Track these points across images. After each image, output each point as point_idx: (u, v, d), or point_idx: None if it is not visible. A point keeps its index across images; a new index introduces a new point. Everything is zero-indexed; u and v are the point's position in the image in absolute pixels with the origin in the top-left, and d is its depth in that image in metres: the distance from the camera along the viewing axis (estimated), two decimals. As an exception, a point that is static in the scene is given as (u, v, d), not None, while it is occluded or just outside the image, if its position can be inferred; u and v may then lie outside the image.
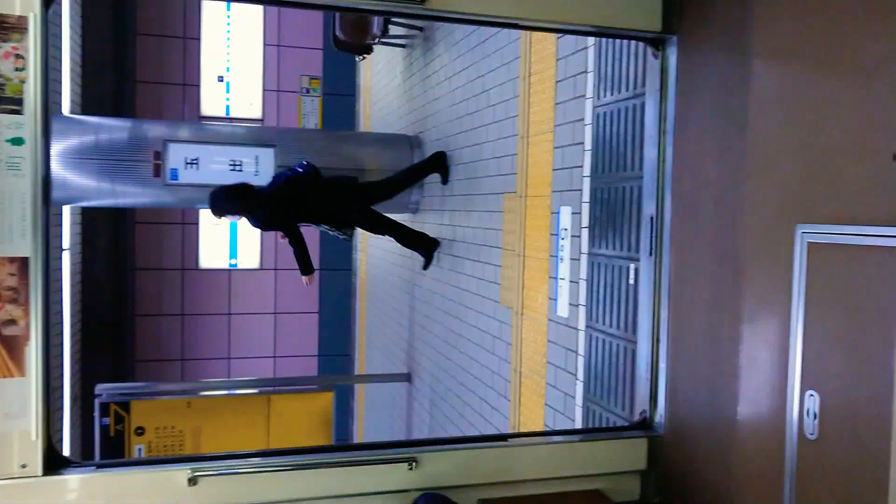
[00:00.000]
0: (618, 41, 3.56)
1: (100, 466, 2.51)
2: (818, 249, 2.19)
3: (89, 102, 9.50)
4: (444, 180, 6.30)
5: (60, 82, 8.25)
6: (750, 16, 2.49)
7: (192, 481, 2.47)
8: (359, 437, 10.55)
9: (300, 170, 5.79)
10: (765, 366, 2.40)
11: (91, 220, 9.73)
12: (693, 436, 2.78)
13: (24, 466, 2.36)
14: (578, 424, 3.89)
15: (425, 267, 6.50)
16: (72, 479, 2.43)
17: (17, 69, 2.26)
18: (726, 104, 2.60)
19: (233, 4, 11.46)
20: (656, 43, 2.95)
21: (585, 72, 3.91)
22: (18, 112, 2.28)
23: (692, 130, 2.82)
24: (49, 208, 2.38)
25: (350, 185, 6.12)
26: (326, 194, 5.87)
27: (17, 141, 2.29)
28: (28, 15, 2.26)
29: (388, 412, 8.56)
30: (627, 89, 3.51)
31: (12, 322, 2.31)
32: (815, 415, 2.18)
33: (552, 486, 2.86)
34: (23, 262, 2.31)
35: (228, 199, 5.54)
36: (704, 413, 2.71)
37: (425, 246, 6.43)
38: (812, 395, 2.19)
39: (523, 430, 4.54)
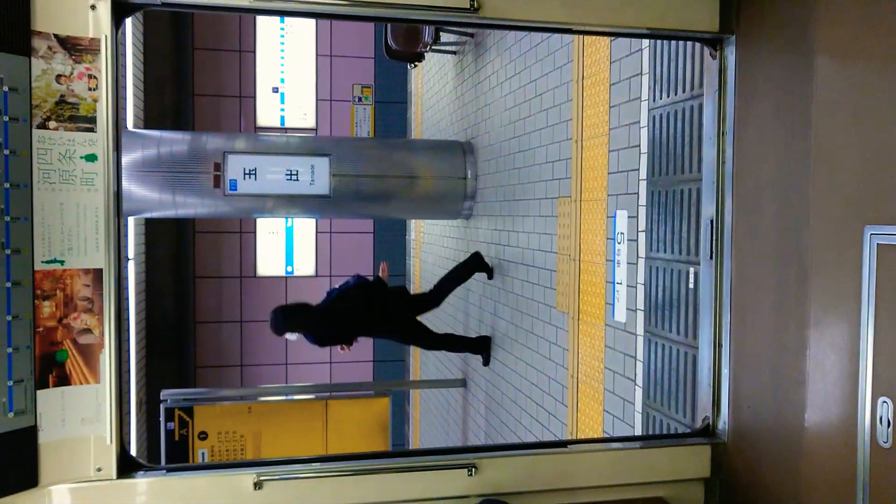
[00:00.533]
0: (672, 42, 3.52)
1: (169, 470, 2.59)
2: (888, 251, 2.13)
3: (151, 117, 9.83)
4: (490, 276, 6.33)
5: (125, 98, 8.56)
6: (812, 13, 2.43)
7: (258, 485, 2.53)
8: (415, 442, 10.60)
9: (351, 282, 6.00)
10: (833, 372, 2.34)
11: (154, 230, 10.05)
12: (758, 443, 2.72)
13: (99, 469, 2.46)
14: (638, 431, 3.84)
15: (486, 364, 6.51)
16: (143, 483, 2.52)
17: (90, 89, 2.37)
18: (788, 103, 2.55)
19: (287, 17, 11.70)
20: (714, 43, 2.91)
21: (640, 74, 3.87)
22: (92, 130, 2.38)
23: (753, 130, 2.76)
24: (120, 221, 2.48)
25: (400, 295, 6.28)
26: (379, 306, 6.03)
27: (91, 157, 2.39)
28: (100, 37, 2.36)
29: (443, 418, 8.59)
30: (684, 90, 3.46)
31: (87, 331, 2.41)
32: (888, 422, 2.11)
33: (613, 493, 2.83)
34: (97, 274, 2.41)
35: (287, 319, 5.81)
36: (770, 420, 2.65)
37: (480, 347, 6.49)
38: (885, 402, 2.12)
39: (581, 436, 4.50)
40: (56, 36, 2.32)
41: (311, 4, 2.56)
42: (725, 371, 2.89)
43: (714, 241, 2.95)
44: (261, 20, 11.66)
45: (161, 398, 6.67)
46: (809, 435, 2.44)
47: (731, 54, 2.85)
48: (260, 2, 2.48)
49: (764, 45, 2.70)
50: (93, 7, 2.36)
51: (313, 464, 2.70)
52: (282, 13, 2.57)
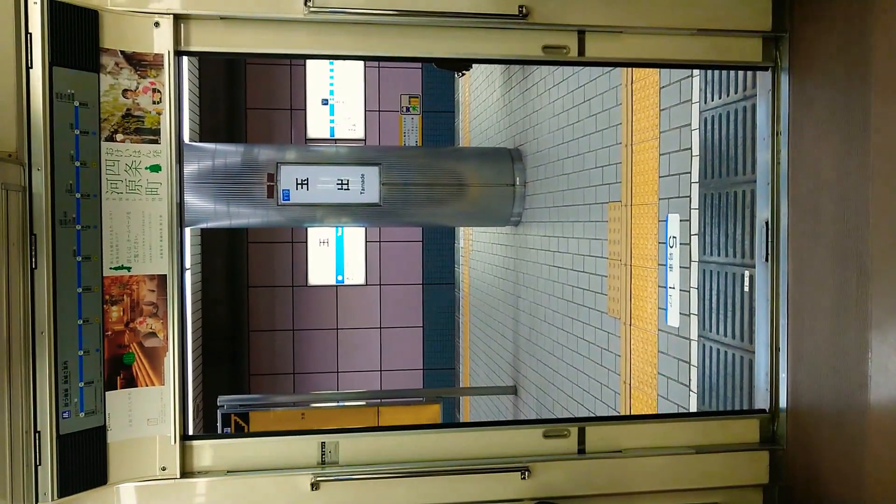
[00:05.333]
0: (724, 43, 3.48)
1: (230, 471, 2.66)
2: (954, 250, 2.07)
3: (206, 130, 10.11)
4: None
5: (182, 112, 8.83)
6: (870, 10, 2.39)
7: (315, 486, 2.58)
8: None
9: None
10: (897, 374, 2.28)
11: (209, 241, 10.32)
12: (818, 449, 2.66)
13: (163, 469, 2.55)
14: (693, 437, 3.78)
15: None
16: (204, 482, 2.59)
17: (154, 102, 2.47)
18: (846, 103, 2.50)
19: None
20: (767, 42, 2.87)
21: (691, 76, 3.84)
22: (156, 142, 2.49)
23: (809, 131, 2.72)
24: (183, 229, 2.58)
25: None
26: None
27: (155, 168, 2.49)
28: (163, 52, 2.47)
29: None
30: (736, 91, 3.42)
31: (153, 334, 2.51)
32: (956, 426, 2.04)
33: (669, 498, 2.81)
34: (161, 279, 2.51)
35: None
36: (830, 425, 2.59)
37: None
38: (953, 406, 2.06)
39: (634, 442, 4.45)
40: (123, 52, 2.43)
41: (359, 15, 2.62)
42: (783, 375, 2.83)
43: (770, 244, 2.90)
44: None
45: (218, 404, 6.83)
46: (873, 440, 2.38)
47: (784, 54, 2.81)
48: (313, 14, 2.55)
49: (819, 43, 2.66)
50: (157, 24, 2.47)
51: (370, 465, 2.74)
52: (331, 24, 2.67)
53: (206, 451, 2.62)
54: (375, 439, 2.78)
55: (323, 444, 2.68)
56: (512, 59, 2.85)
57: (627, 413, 4.58)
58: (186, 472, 2.60)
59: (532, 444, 2.79)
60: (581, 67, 5.50)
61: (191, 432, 8.86)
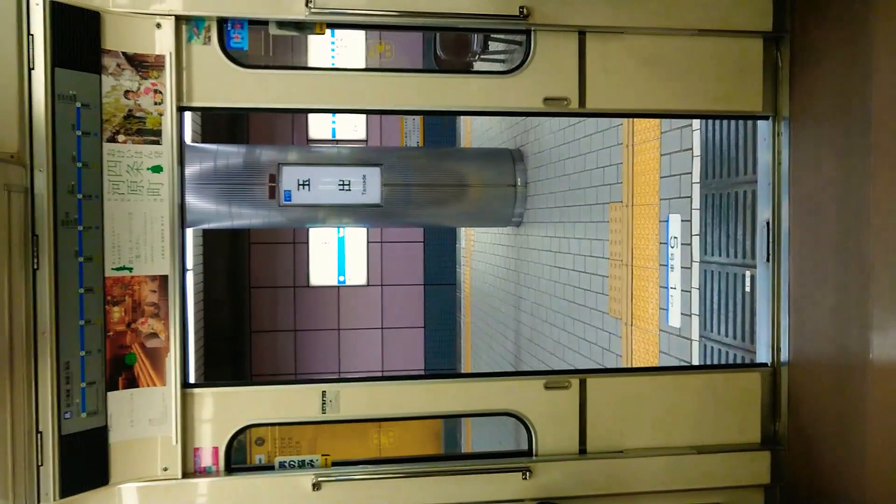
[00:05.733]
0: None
1: (232, 471, 2.67)
2: (955, 250, 2.07)
3: (208, 131, 10.11)
4: None
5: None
6: (871, 10, 2.39)
7: (316, 486, 2.59)
8: (466, 448, 10.60)
9: None
10: (899, 374, 2.28)
11: (211, 242, 10.33)
12: (820, 449, 2.66)
13: (165, 469, 2.55)
14: (694, 437, 3.78)
15: None
16: (207, 483, 2.60)
17: (156, 103, 2.48)
18: (847, 102, 2.50)
19: (337, 31, 11.92)
20: (767, 42, 2.87)
21: (691, 76, 3.83)
22: (158, 143, 2.49)
23: (810, 130, 2.72)
24: (184, 230, 2.58)
25: None
26: None
27: (157, 169, 2.50)
28: (165, 53, 2.47)
29: (495, 424, 8.57)
30: (737, 92, 3.41)
31: (154, 335, 2.51)
32: (958, 426, 2.04)
33: (670, 499, 2.80)
34: (163, 280, 2.52)
35: None
36: (832, 425, 2.59)
37: None
38: (954, 406, 2.06)
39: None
40: (124, 53, 2.44)
41: (360, 16, 2.62)
42: (784, 375, 2.83)
43: (771, 244, 2.90)
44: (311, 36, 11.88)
45: (219, 404, 6.82)
46: (874, 440, 2.37)
47: (785, 53, 2.81)
48: (314, 15, 2.56)
49: (820, 42, 2.66)
50: (158, 25, 2.47)
51: (372, 465, 2.75)
52: (333, 26, 2.68)
53: (207, 399, 2.61)
54: (375, 389, 2.76)
55: (324, 392, 2.67)
56: (514, 112, 2.82)
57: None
58: (188, 473, 2.60)
59: (533, 395, 2.77)
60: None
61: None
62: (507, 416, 2.78)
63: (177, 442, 2.55)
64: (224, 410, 2.63)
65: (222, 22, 2.55)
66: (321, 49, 12.00)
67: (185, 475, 2.58)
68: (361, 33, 11.83)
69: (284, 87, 2.64)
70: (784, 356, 2.83)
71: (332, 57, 11.85)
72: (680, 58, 2.82)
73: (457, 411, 2.81)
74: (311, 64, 11.96)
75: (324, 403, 2.67)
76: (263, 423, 2.70)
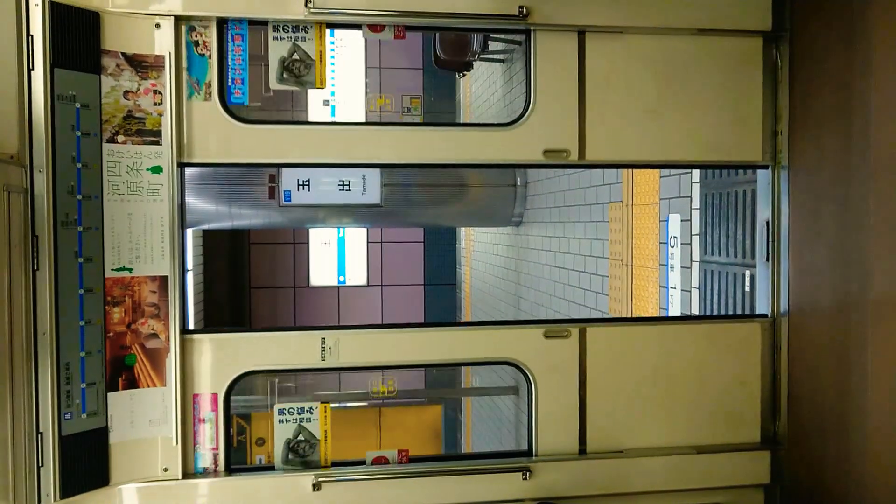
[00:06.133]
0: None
1: (232, 472, 2.67)
2: (955, 249, 2.07)
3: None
4: None
5: (182, 114, 8.83)
6: (870, 7, 2.39)
7: (317, 487, 2.59)
8: (467, 448, 10.60)
9: None
10: (899, 374, 2.28)
11: (211, 242, 10.32)
12: (820, 449, 2.66)
13: (165, 470, 2.55)
14: (695, 437, 3.77)
15: None
16: (207, 483, 2.60)
17: (155, 104, 2.48)
18: (847, 102, 2.49)
19: (336, 31, 11.90)
20: (767, 40, 2.87)
21: (691, 76, 3.83)
22: (157, 143, 2.49)
23: (809, 130, 2.72)
24: (184, 230, 2.58)
25: None
26: None
27: (157, 169, 2.50)
28: (164, 54, 2.47)
29: (495, 424, 8.58)
30: (737, 91, 3.41)
31: (154, 336, 2.51)
32: (958, 425, 2.04)
33: (670, 499, 2.80)
34: (163, 281, 2.52)
35: None
36: (832, 425, 2.59)
37: None
38: (954, 405, 2.06)
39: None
40: (124, 54, 2.44)
41: (360, 16, 2.63)
42: (783, 375, 2.83)
43: (770, 244, 2.90)
44: (311, 35, 11.87)
45: (220, 405, 6.82)
46: (874, 439, 2.37)
47: (784, 52, 2.81)
48: (313, 15, 2.56)
49: (820, 41, 2.66)
50: (157, 26, 2.47)
51: (372, 466, 2.75)
52: (332, 25, 2.68)
53: (206, 346, 2.61)
54: (375, 336, 2.76)
55: (323, 340, 2.67)
56: (515, 164, 2.81)
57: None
58: (188, 473, 2.60)
59: (533, 344, 2.77)
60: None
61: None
62: (507, 366, 2.77)
63: (177, 442, 2.55)
64: (223, 357, 2.62)
65: (222, 77, 2.57)
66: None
67: (186, 475, 2.59)
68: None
69: (285, 142, 2.64)
70: (784, 356, 2.83)
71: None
72: (679, 59, 2.82)
73: (456, 360, 2.80)
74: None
75: (323, 350, 2.66)
76: (262, 369, 2.69)
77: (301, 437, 2.68)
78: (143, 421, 2.51)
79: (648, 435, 2.82)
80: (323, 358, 2.66)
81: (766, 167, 2.86)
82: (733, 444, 2.87)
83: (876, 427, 2.36)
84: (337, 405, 8.09)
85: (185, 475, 2.58)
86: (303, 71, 2.62)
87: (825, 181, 2.62)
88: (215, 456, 2.63)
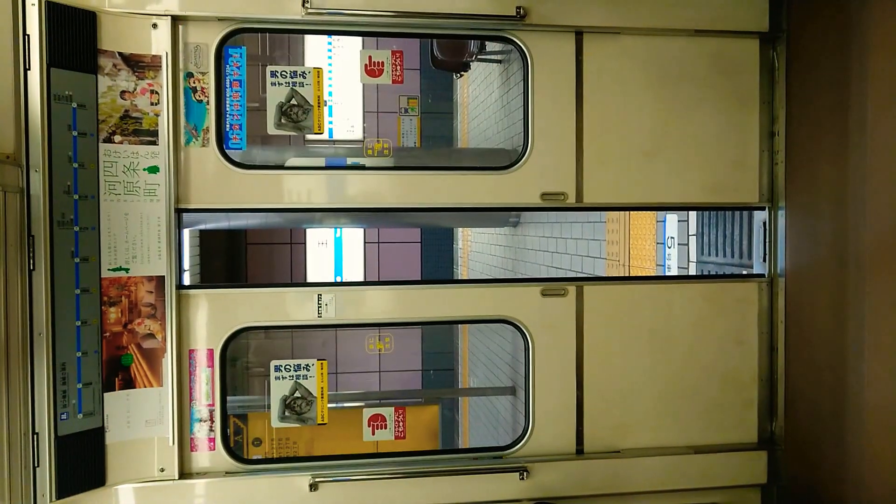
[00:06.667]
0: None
1: (228, 472, 2.66)
2: (951, 250, 2.07)
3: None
4: None
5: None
6: (867, 11, 2.39)
7: (313, 486, 2.59)
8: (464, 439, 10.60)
9: None
10: (895, 374, 2.28)
11: (207, 242, 10.30)
12: (816, 449, 2.66)
13: (162, 470, 2.55)
14: (691, 437, 3.78)
15: None
16: (203, 484, 2.59)
17: (152, 104, 2.47)
18: (844, 102, 2.50)
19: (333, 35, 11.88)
20: (764, 42, 2.87)
21: (688, 77, 3.83)
22: (154, 143, 2.49)
23: (806, 130, 2.72)
24: (181, 231, 2.58)
25: None
26: None
27: (153, 169, 2.49)
28: (161, 53, 2.47)
29: (492, 425, 8.58)
30: (734, 92, 3.41)
31: (151, 336, 2.51)
32: (954, 425, 2.05)
33: (667, 499, 2.81)
34: (159, 281, 2.51)
35: None
36: (829, 425, 2.59)
37: None
38: (950, 405, 2.06)
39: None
40: (120, 54, 2.43)
41: (358, 17, 2.62)
42: (781, 375, 2.84)
43: (767, 244, 2.90)
44: (308, 36, 11.88)
45: (216, 405, 6.81)
46: (870, 440, 2.38)
47: (781, 53, 2.82)
48: (311, 16, 2.56)
49: (817, 43, 2.66)
50: (154, 26, 2.47)
51: (369, 467, 2.74)
52: (328, 32, 2.68)
53: (202, 301, 2.60)
54: (371, 293, 2.75)
55: (319, 296, 2.67)
56: (511, 207, 2.82)
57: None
58: (185, 474, 2.60)
59: (530, 302, 2.77)
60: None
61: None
62: (504, 324, 2.77)
63: (174, 442, 2.54)
64: (219, 312, 2.62)
65: (220, 123, 2.57)
66: (318, 48, 12.00)
67: (182, 476, 2.58)
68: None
69: (283, 188, 2.65)
70: (780, 356, 2.84)
71: (329, 58, 11.84)
72: (676, 60, 2.82)
73: (453, 317, 2.79)
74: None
75: (319, 307, 2.66)
76: (258, 325, 2.69)
77: (298, 395, 2.69)
78: (140, 421, 2.51)
79: (647, 394, 2.82)
80: (319, 314, 2.66)
81: (762, 208, 2.90)
82: (731, 443, 2.88)
83: (873, 427, 2.37)
84: (334, 406, 8.08)
85: (182, 475, 2.58)
86: (300, 116, 2.64)
87: (822, 178, 2.63)
88: (211, 412, 2.63)
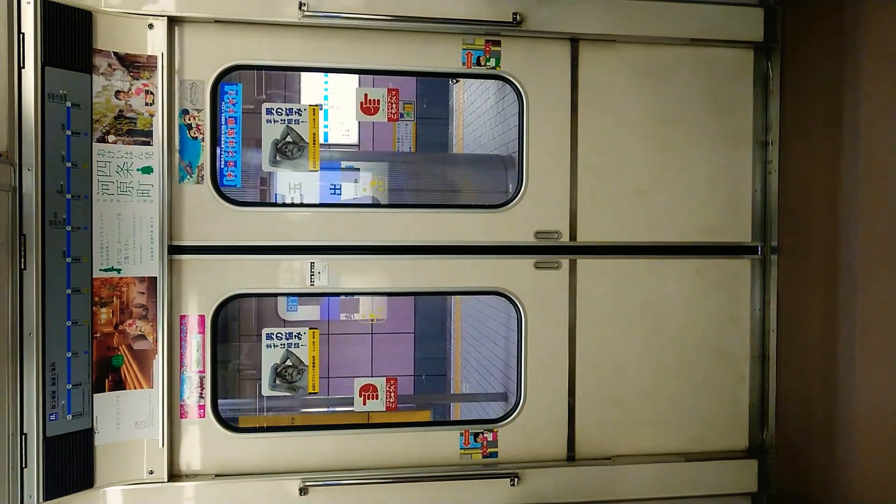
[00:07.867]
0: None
1: (218, 475, 2.65)
2: (942, 260, 2.08)
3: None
4: None
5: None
6: (860, 22, 2.41)
7: (303, 491, 2.58)
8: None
9: None
10: (886, 384, 2.29)
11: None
12: (807, 457, 2.67)
13: (151, 472, 2.53)
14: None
15: None
16: (193, 486, 2.58)
17: (147, 104, 2.47)
18: (837, 111, 2.51)
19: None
20: (758, 51, 2.89)
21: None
22: (148, 143, 2.48)
23: (800, 139, 2.73)
24: (173, 232, 2.56)
25: None
26: None
27: (147, 170, 2.48)
28: (157, 54, 2.47)
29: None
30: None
31: (142, 337, 2.50)
32: (944, 435, 2.05)
33: (658, 506, 2.81)
34: (151, 282, 2.50)
35: None
36: (819, 433, 2.60)
37: None
38: (940, 415, 2.07)
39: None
40: (116, 53, 2.43)
41: (354, 20, 2.63)
42: (772, 384, 2.84)
43: (760, 252, 2.91)
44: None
45: (207, 408, 6.78)
46: (860, 449, 2.38)
47: (776, 62, 2.83)
48: (307, 19, 2.56)
49: (810, 53, 2.68)
50: (150, 26, 2.46)
51: (359, 471, 2.73)
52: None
53: (194, 266, 2.58)
54: (364, 262, 2.72)
55: (312, 264, 2.65)
56: (504, 247, 2.82)
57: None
58: (174, 476, 2.58)
59: (523, 274, 2.77)
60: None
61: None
62: (497, 296, 2.76)
63: (163, 445, 2.53)
64: (210, 278, 2.60)
65: (214, 160, 2.57)
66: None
67: (171, 478, 2.57)
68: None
69: (278, 225, 2.64)
70: (772, 364, 2.85)
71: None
72: (674, 68, 2.84)
73: (447, 288, 2.79)
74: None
75: (312, 275, 2.65)
76: (250, 292, 2.67)
77: (289, 363, 2.67)
78: (130, 423, 2.49)
79: (640, 368, 2.84)
80: (311, 283, 2.65)
81: (755, 249, 2.92)
82: (721, 450, 2.88)
83: (863, 436, 2.37)
84: (325, 410, 8.04)
85: (171, 478, 2.56)
86: (296, 153, 2.64)
87: (814, 187, 2.64)
88: (201, 379, 2.62)
